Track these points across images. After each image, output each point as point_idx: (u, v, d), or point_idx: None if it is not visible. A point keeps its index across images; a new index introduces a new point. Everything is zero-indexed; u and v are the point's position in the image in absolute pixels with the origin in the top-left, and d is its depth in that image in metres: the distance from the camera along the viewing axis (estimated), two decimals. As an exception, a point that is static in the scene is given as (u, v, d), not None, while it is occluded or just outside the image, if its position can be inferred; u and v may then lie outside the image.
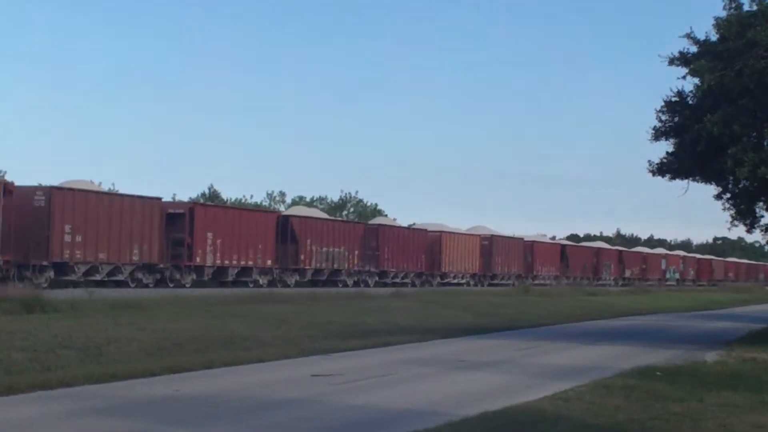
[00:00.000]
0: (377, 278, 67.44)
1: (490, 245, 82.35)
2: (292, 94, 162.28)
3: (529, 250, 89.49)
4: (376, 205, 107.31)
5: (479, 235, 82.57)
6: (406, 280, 70.39)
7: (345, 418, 15.76)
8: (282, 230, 57.65)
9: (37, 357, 21.88)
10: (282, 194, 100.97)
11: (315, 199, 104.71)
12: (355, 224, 70.12)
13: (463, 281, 78.77)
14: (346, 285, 62.53)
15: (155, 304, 34.37)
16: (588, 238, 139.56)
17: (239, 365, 22.69)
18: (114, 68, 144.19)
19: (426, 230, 75.17)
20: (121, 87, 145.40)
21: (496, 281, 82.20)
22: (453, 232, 79.66)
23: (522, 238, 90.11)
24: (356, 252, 64.78)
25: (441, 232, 76.46)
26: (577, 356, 28.17)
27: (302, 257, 59.46)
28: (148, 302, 34.43)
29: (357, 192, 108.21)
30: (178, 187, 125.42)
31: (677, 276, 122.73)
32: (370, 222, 76.66)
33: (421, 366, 23.84)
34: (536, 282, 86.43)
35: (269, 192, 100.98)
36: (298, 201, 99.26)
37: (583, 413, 16.08)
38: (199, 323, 30.53)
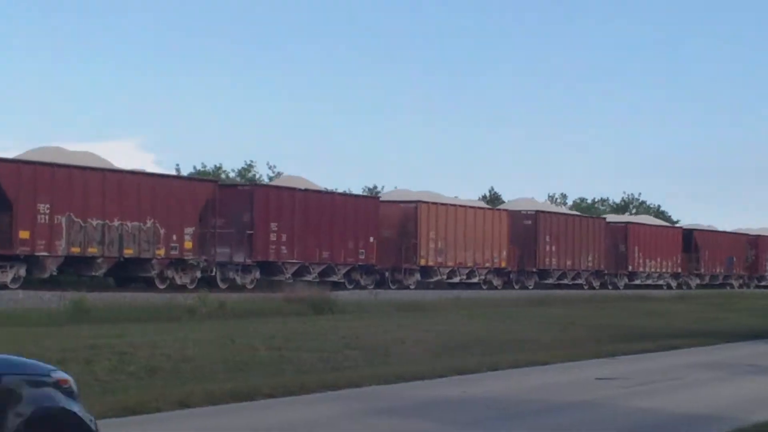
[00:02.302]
0: (259, 275, 42.83)
1: (534, 225, 56.96)
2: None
3: (620, 235, 64.07)
4: (659, 206, 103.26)
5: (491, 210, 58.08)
6: (308, 278, 43.25)
7: (630, 422, 15.65)
8: None
9: (326, 357, 22.53)
10: (563, 196, 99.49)
11: (596, 200, 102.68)
12: (191, 182, 43.59)
13: (474, 280, 53.12)
14: (173, 285, 38.46)
15: (437, 307, 34.99)
16: None
17: (523, 367, 22.80)
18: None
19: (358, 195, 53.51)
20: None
21: (548, 280, 57.85)
22: (443, 204, 52.92)
23: (604, 218, 65.61)
24: (192, 230, 39.10)
25: (420, 202, 50.64)
26: None
27: (21, 236, 34.65)
28: (430, 305, 35.07)
29: (640, 194, 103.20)
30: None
31: None
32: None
33: (708, 370, 23.32)
34: (634, 282, 64.94)
35: (550, 194, 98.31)
36: (580, 203, 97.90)
37: None
38: (481, 325, 30.94)
